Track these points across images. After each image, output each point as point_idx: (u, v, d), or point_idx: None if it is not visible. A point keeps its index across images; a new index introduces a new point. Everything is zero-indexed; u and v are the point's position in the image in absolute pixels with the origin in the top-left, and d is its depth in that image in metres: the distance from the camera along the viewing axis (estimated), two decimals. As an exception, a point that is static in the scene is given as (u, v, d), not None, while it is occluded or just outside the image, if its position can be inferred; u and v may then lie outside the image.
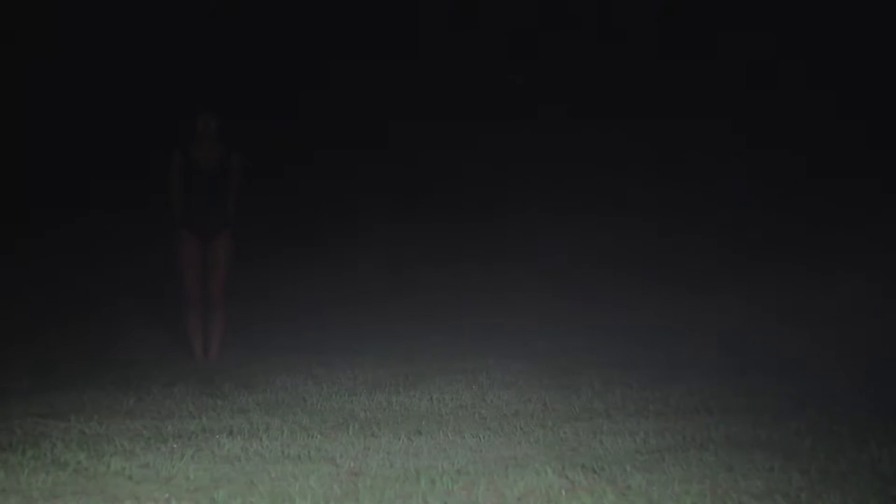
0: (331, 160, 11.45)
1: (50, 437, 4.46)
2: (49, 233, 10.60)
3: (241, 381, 6.04)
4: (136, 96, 10.99)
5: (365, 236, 11.19)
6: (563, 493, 3.51)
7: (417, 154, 11.43)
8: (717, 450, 4.06)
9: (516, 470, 3.79)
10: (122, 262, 10.26)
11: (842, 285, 9.17)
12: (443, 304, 9.69)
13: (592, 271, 10.17)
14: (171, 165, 7.07)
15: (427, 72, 11.42)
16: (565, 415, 4.95)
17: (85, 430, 4.65)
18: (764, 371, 6.16)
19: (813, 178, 10.43)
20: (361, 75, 11.31)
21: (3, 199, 10.43)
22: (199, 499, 3.50)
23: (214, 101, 7.22)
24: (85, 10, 10.68)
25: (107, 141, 11.10)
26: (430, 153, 11.38)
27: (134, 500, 3.50)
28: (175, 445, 4.30)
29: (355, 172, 11.61)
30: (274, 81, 11.19)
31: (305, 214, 11.18)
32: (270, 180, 9.74)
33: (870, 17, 10.38)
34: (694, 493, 3.47)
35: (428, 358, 6.99)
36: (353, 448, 4.25)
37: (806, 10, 10.61)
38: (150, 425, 4.75)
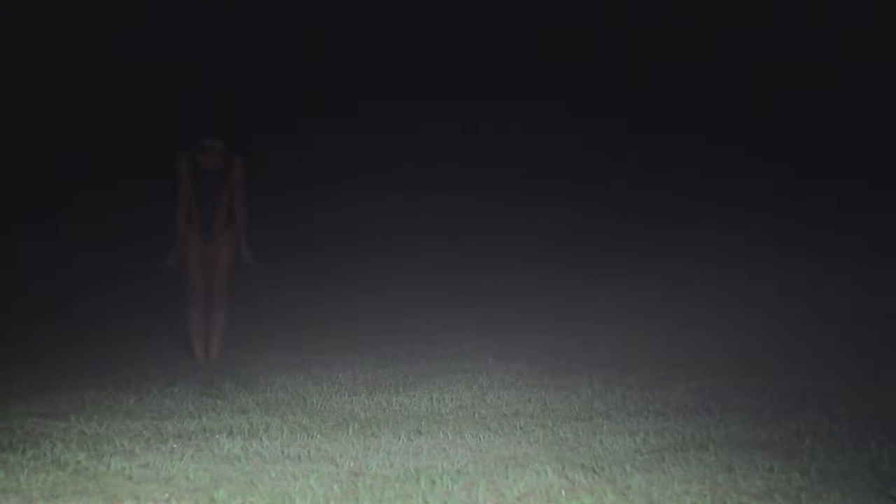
0: (324, 155, 11.46)
1: (50, 437, 4.46)
2: (48, 232, 10.61)
3: (241, 381, 6.03)
4: (141, 96, 11.01)
5: (365, 236, 11.20)
6: (563, 493, 3.51)
7: (415, 143, 11.46)
8: (717, 450, 4.06)
9: (516, 470, 3.79)
10: (122, 261, 10.27)
11: (841, 282, 9.17)
12: (443, 304, 9.68)
13: (590, 269, 10.17)
14: (177, 169, 7.09)
15: None
16: (565, 415, 4.95)
17: (85, 430, 4.65)
18: (764, 371, 6.16)
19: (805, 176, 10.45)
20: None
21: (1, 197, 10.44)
22: (199, 499, 3.50)
23: (218, 121, 7.23)
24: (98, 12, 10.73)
25: (107, 139, 11.10)
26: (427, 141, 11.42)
27: (134, 500, 3.50)
28: (175, 445, 4.30)
29: (354, 172, 11.62)
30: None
31: (304, 214, 11.18)
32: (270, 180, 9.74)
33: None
34: (694, 493, 3.47)
35: (428, 358, 6.99)
36: (353, 448, 4.25)
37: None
38: (150, 425, 4.75)
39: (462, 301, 9.82)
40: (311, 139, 11.59)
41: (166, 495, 3.53)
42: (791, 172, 10.98)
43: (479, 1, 11.54)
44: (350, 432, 4.57)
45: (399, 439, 4.41)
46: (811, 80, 10.99)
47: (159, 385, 5.90)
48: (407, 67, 11.71)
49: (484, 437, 4.44)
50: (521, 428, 4.62)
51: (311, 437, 4.46)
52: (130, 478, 3.78)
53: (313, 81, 11.54)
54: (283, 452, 4.18)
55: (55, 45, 10.91)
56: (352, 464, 3.97)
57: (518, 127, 11.69)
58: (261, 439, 4.41)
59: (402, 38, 11.67)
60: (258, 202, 7.36)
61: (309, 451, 4.19)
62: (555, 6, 11.45)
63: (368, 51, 11.59)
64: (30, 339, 7.96)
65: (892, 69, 10.50)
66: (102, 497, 3.53)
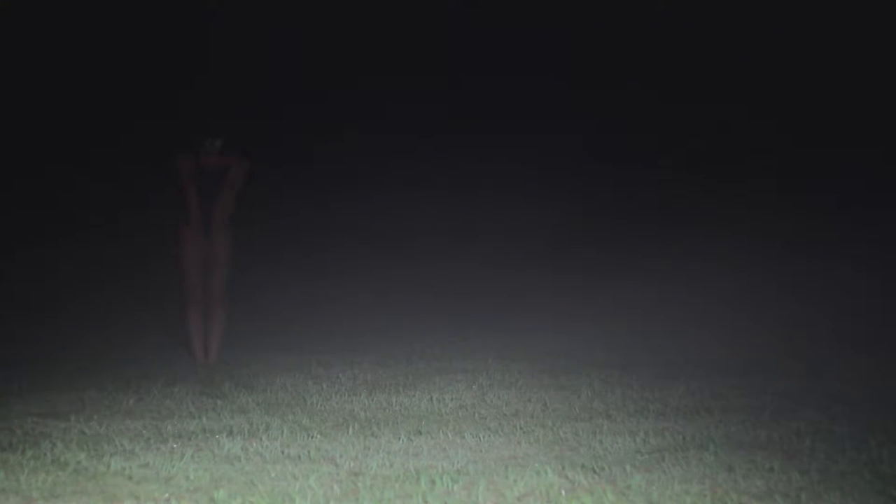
0: (324, 155, 11.47)
1: (50, 437, 4.46)
2: (47, 232, 10.61)
3: (241, 381, 6.04)
4: (143, 97, 11.03)
5: (365, 235, 11.19)
6: (563, 493, 3.51)
7: (415, 146, 11.46)
8: (717, 450, 4.06)
9: (516, 470, 3.79)
10: (122, 261, 10.27)
11: (841, 282, 9.17)
12: (443, 304, 9.69)
13: (590, 269, 10.17)
14: (179, 168, 7.11)
15: None
16: (565, 415, 4.95)
17: (85, 430, 4.65)
18: (764, 371, 6.16)
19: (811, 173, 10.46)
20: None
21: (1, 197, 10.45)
22: (199, 499, 3.50)
23: (219, 122, 7.27)
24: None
25: (107, 139, 11.11)
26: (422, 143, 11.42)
27: (134, 500, 3.50)
28: (175, 445, 4.30)
29: (354, 172, 11.62)
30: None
31: (304, 214, 11.19)
32: (268, 180, 9.74)
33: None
34: (694, 493, 3.47)
35: (428, 358, 6.99)
36: (353, 448, 4.25)
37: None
38: (150, 425, 4.75)
39: (462, 301, 9.83)
40: (311, 140, 11.60)
41: (166, 495, 3.53)
42: (791, 172, 10.97)
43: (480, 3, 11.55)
44: (350, 432, 4.57)
45: (399, 439, 4.41)
46: (811, 80, 10.99)
47: (159, 385, 5.90)
48: (408, 68, 11.72)
49: (484, 437, 4.44)
50: (521, 428, 4.62)
51: (311, 437, 4.46)
52: (130, 478, 3.78)
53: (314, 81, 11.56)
54: (283, 452, 4.18)
55: (56, 46, 10.92)
56: (352, 464, 3.97)
57: (518, 127, 11.69)
58: (261, 439, 4.41)
59: (404, 39, 11.68)
60: (259, 202, 7.36)
61: (309, 451, 4.19)
62: (554, 7, 11.46)
63: (371, 51, 11.62)
64: (30, 339, 7.96)
65: (892, 69, 10.50)
66: (102, 497, 3.53)
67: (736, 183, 11.00)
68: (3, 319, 8.64)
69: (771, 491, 3.48)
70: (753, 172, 11.10)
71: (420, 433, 4.55)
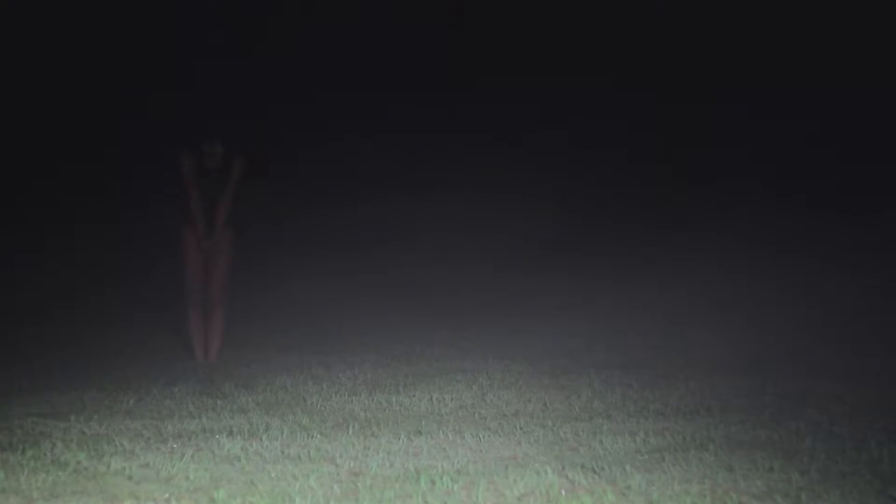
0: (326, 157, 11.48)
1: (50, 437, 4.46)
2: (47, 233, 10.61)
3: (241, 381, 6.04)
4: (144, 99, 11.05)
5: (365, 236, 11.20)
6: (563, 493, 3.51)
7: (416, 149, 11.47)
8: (717, 450, 4.06)
9: (516, 470, 3.79)
10: (123, 261, 10.28)
11: (841, 282, 9.17)
12: (443, 304, 9.68)
13: (590, 270, 10.18)
14: (181, 167, 7.11)
15: None
16: (565, 415, 4.95)
17: (85, 430, 4.65)
18: (764, 371, 6.16)
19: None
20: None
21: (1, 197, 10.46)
22: (199, 499, 3.50)
23: (218, 125, 7.28)
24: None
25: (108, 140, 11.12)
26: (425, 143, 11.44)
27: (134, 500, 3.50)
28: (175, 445, 4.30)
29: (355, 173, 11.62)
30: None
31: (304, 215, 11.19)
32: (269, 181, 9.75)
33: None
34: (694, 493, 3.47)
35: (428, 358, 6.99)
36: (353, 448, 4.25)
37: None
38: (150, 425, 4.75)
39: (462, 301, 9.82)
40: (315, 141, 11.61)
41: (166, 495, 3.54)
42: (791, 173, 10.98)
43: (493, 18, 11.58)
44: (350, 432, 4.57)
45: (399, 439, 4.41)
46: (811, 80, 11.00)
47: (159, 385, 5.90)
48: (421, 81, 11.72)
49: (484, 437, 4.44)
50: (521, 428, 4.62)
51: (311, 437, 4.46)
52: (130, 478, 3.78)
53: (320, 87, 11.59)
54: (283, 452, 4.18)
55: (56, 47, 10.94)
56: (352, 464, 3.98)
57: (514, 127, 11.70)
58: (261, 439, 4.42)
59: (404, 38, 11.69)
60: (259, 203, 7.35)
61: (309, 451, 4.19)
62: (554, 7, 11.48)
63: (370, 51, 11.63)
64: (31, 339, 7.96)
65: (892, 70, 10.52)
66: (102, 497, 3.53)
67: (736, 184, 11.02)
68: (3, 319, 8.64)
69: (771, 491, 3.48)
70: (754, 174, 11.11)
71: (420, 433, 4.55)
